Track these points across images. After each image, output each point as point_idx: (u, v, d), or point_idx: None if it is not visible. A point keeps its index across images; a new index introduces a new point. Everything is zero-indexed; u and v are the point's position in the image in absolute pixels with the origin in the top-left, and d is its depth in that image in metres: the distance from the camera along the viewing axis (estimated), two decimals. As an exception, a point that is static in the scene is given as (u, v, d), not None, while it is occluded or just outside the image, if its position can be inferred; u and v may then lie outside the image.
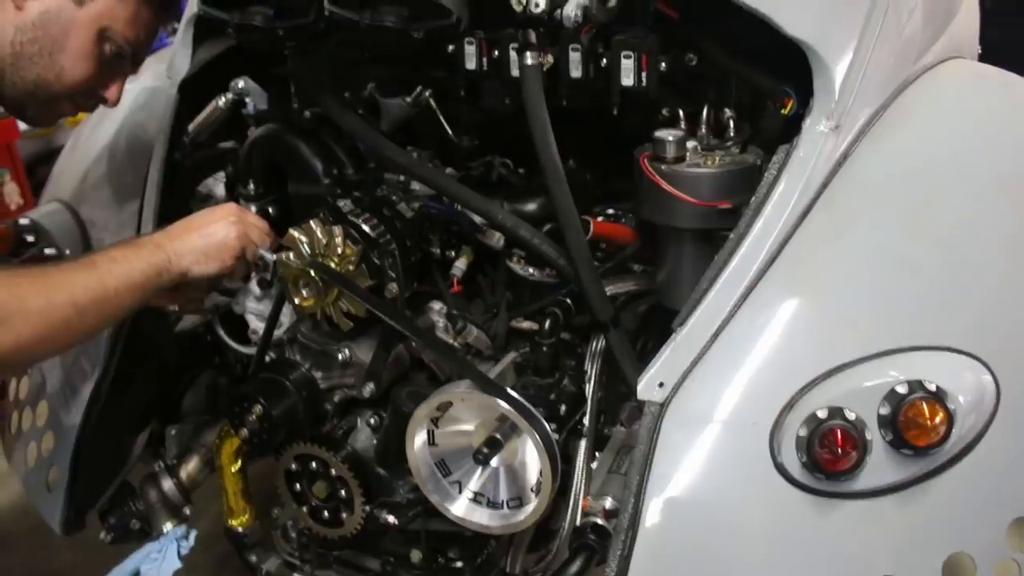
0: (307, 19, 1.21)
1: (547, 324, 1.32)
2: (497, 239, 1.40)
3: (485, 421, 1.25)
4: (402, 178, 1.47)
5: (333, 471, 1.43)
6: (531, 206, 1.42)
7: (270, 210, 1.52)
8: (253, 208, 1.55)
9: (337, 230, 1.30)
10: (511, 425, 1.23)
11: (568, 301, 1.37)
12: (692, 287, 1.26)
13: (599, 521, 1.27)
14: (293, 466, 1.48)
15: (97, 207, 1.76)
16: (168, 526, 1.66)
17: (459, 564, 1.43)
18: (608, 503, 1.27)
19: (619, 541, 1.10)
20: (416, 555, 1.45)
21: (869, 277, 1.19)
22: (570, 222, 1.24)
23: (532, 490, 1.25)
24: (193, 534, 1.67)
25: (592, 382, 1.36)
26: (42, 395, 1.72)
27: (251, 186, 1.54)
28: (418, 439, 1.28)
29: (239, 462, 1.57)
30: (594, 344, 1.40)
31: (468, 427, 1.26)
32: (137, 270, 1.24)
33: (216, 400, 1.75)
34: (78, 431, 1.61)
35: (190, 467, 1.66)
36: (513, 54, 1.36)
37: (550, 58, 1.26)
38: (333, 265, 1.30)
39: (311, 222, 1.31)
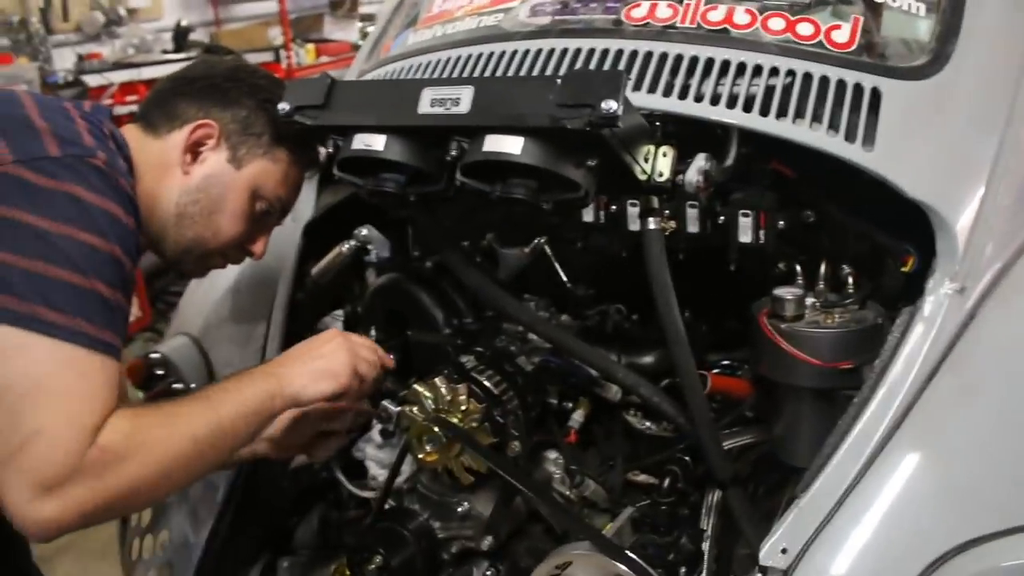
0: (438, 186, 1.27)
1: (666, 483, 1.33)
2: (615, 392, 1.42)
3: (603, 580, 1.25)
4: (520, 328, 1.51)
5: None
6: (648, 359, 1.44)
7: (392, 357, 1.57)
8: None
9: (461, 388, 1.34)
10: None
11: (686, 458, 1.38)
12: (810, 444, 1.26)
13: None
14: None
15: (222, 343, 1.85)
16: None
17: None
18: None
19: None
20: None
21: (1001, 444, 1.15)
22: (691, 384, 1.25)
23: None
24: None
25: (709, 540, 1.35)
26: (164, 524, 1.78)
27: (372, 332, 1.60)
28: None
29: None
30: (710, 498, 1.39)
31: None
32: (249, 397, 1.26)
33: (327, 534, 1.78)
34: (198, 564, 1.66)
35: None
36: (631, 209, 1.40)
37: (672, 223, 1.29)
38: (456, 421, 1.34)
39: (436, 379, 1.35)
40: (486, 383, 1.36)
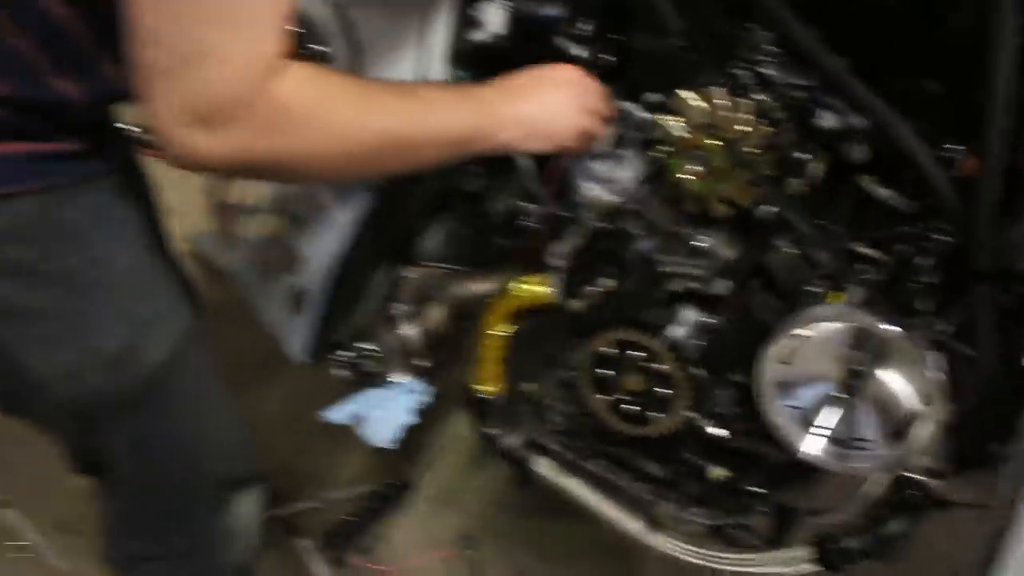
0: None
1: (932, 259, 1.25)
2: (862, 152, 1.29)
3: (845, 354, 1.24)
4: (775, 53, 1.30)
5: (656, 366, 1.43)
6: None
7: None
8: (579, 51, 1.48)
9: (745, 103, 1.26)
10: (876, 357, 1.22)
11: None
12: None
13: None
14: (606, 349, 1.47)
15: (371, 6, 1.71)
16: (400, 376, 1.73)
17: (762, 491, 1.48)
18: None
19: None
20: (717, 472, 1.50)
21: None
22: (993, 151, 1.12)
23: (894, 433, 1.24)
24: (428, 388, 1.74)
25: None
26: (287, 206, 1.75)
27: (587, 24, 1.42)
28: (773, 354, 1.28)
29: (510, 328, 1.62)
30: None
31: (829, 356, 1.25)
32: (457, 123, 1.23)
33: (459, 251, 1.76)
34: (341, 257, 1.63)
35: (433, 318, 1.72)
36: None
37: None
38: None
39: (711, 87, 1.28)
40: (769, 106, 1.27)
